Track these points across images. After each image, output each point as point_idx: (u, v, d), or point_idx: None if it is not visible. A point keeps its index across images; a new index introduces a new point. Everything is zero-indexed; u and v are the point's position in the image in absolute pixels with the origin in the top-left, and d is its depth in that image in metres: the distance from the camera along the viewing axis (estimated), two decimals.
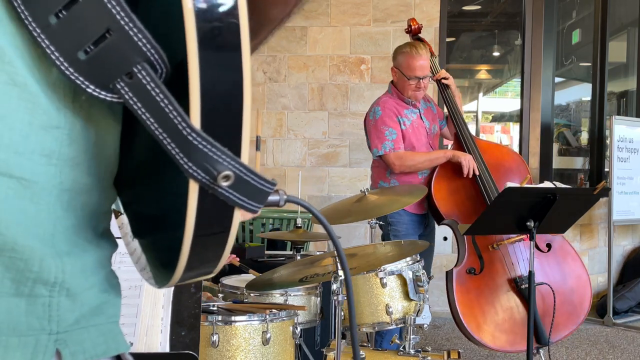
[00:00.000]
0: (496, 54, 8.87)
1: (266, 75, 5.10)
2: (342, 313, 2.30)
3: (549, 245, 3.20)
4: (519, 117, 5.67)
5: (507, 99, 9.16)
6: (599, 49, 5.68)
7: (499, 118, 9.59)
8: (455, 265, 3.15)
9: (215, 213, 0.48)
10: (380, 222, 3.04)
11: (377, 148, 3.23)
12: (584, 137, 6.70)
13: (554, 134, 5.91)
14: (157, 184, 0.53)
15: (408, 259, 2.49)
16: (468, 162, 3.18)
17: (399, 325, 2.46)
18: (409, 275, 2.46)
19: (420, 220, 3.32)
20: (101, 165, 0.53)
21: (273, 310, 2.13)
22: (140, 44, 0.45)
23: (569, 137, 6.73)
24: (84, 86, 0.46)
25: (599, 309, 5.09)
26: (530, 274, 2.72)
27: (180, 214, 0.47)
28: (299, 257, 2.69)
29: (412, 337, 2.39)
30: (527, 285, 2.94)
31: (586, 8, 6.38)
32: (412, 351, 2.37)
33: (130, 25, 0.45)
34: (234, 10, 0.45)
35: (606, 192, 2.78)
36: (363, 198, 2.59)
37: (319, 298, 2.47)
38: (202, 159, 0.45)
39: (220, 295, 2.41)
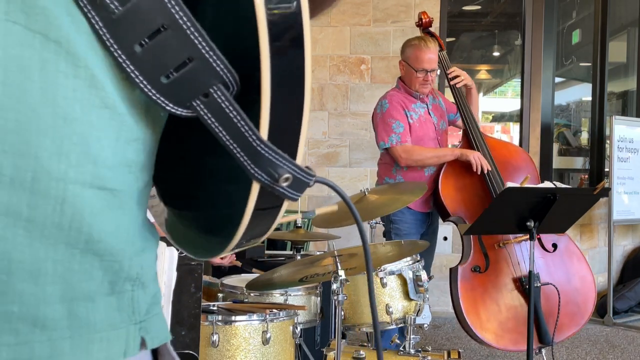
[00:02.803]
0: (496, 54, 8.87)
1: None
2: (342, 313, 2.30)
3: (554, 245, 3.19)
4: (519, 117, 5.67)
5: (507, 99, 9.16)
6: (599, 49, 5.68)
7: (499, 118, 9.60)
8: (460, 263, 3.14)
9: (268, 203, 0.54)
10: (381, 222, 3.04)
11: (384, 141, 3.20)
12: (584, 137, 6.70)
13: (554, 134, 5.90)
14: (215, 171, 0.58)
15: (408, 258, 2.49)
16: (477, 159, 3.15)
17: (399, 325, 2.46)
18: (409, 275, 2.46)
19: (423, 218, 3.29)
20: (153, 161, 0.58)
21: (273, 310, 2.13)
22: (218, 69, 0.49)
23: (569, 137, 6.73)
24: (163, 105, 0.50)
25: (599, 309, 5.08)
26: (531, 273, 2.72)
27: (239, 202, 0.53)
28: (299, 257, 2.69)
29: (412, 337, 2.39)
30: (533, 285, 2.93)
31: (586, 8, 6.38)
32: (412, 351, 2.37)
33: (211, 53, 0.49)
34: (300, 36, 0.50)
35: (606, 192, 2.78)
36: (363, 198, 2.59)
37: (319, 298, 2.47)
38: (266, 165, 0.51)
39: (220, 295, 2.41)
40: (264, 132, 0.50)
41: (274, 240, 3.83)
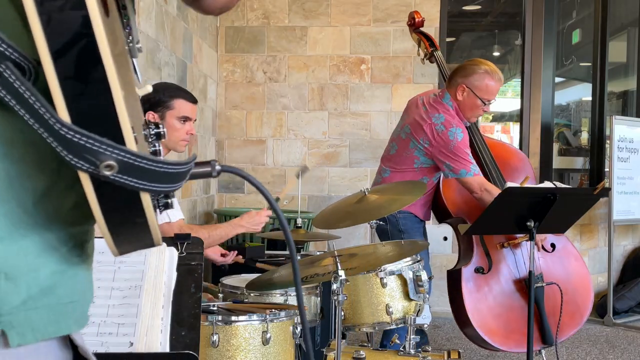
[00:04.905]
0: (496, 54, 8.87)
1: (266, 75, 5.10)
2: (342, 313, 2.29)
3: (553, 245, 3.19)
4: (519, 117, 5.67)
5: (507, 99, 9.16)
6: (599, 49, 5.68)
7: (499, 118, 9.59)
8: (464, 265, 3.11)
9: (119, 198, 0.50)
10: (380, 223, 3.03)
11: (466, 169, 2.99)
12: (584, 137, 6.70)
13: (554, 134, 5.90)
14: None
15: (408, 259, 2.49)
16: None
17: (399, 325, 2.46)
18: (409, 275, 2.46)
19: (424, 224, 3.30)
20: (39, 151, 0.53)
21: (273, 310, 2.13)
22: None
23: (569, 137, 6.73)
24: None
25: (599, 309, 5.08)
26: (531, 273, 2.72)
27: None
28: (299, 257, 2.69)
29: (412, 337, 2.39)
30: (537, 285, 2.93)
31: (586, 8, 6.37)
32: (412, 351, 2.37)
33: None
34: None
35: (606, 192, 2.78)
36: (363, 198, 2.59)
37: (319, 298, 2.47)
38: (81, 151, 0.46)
39: (220, 295, 2.41)
40: (63, 113, 0.46)
41: (274, 240, 3.83)
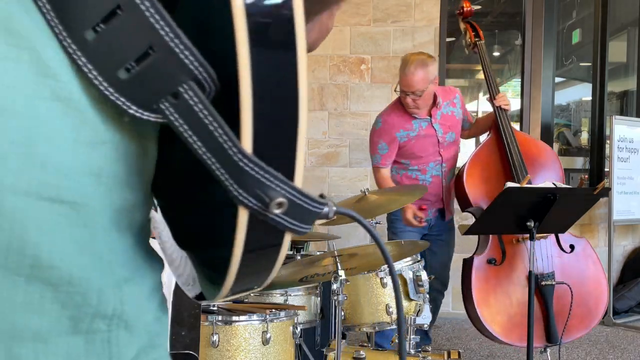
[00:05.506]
0: (496, 54, 8.87)
1: None
2: (342, 313, 2.29)
3: (572, 247, 3.20)
4: (519, 117, 5.66)
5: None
6: (599, 49, 5.68)
7: None
8: (478, 254, 3.16)
9: (264, 237, 0.45)
10: (379, 222, 3.05)
11: (371, 156, 3.32)
12: (584, 137, 6.70)
13: (554, 134, 5.90)
14: (199, 196, 0.48)
15: (408, 259, 2.49)
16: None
17: None
18: (409, 275, 2.46)
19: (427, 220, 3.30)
20: (146, 180, 0.49)
21: (273, 310, 2.13)
22: (187, 61, 0.40)
23: (569, 137, 6.73)
24: (125, 107, 0.42)
25: None
26: (531, 273, 2.72)
27: (227, 235, 0.43)
28: (299, 257, 2.69)
29: (412, 337, 2.39)
30: (547, 283, 2.97)
31: (586, 8, 6.37)
32: (412, 351, 2.37)
33: (176, 41, 0.40)
34: (290, 17, 0.41)
35: (606, 192, 2.78)
36: (363, 198, 2.59)
37: (319, 298, 2.47)
38: (254, 186, 0.41)
39: None
40: (247, 142, 0.41)
41: None
